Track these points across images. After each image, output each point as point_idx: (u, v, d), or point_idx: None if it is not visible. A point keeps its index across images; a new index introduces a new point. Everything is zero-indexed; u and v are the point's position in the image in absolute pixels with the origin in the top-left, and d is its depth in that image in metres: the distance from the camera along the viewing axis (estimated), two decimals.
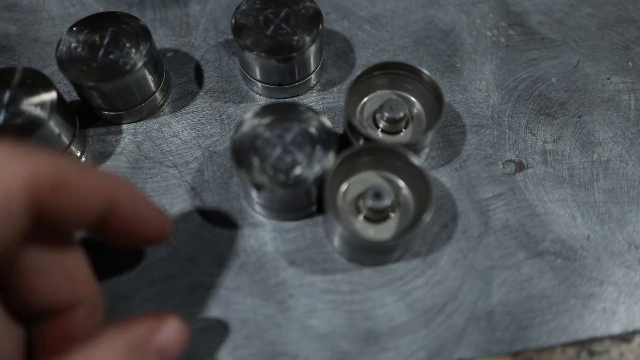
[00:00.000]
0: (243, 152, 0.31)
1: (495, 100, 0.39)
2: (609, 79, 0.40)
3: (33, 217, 0.20)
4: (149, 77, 0.36)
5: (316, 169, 0.30)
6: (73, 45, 0.35)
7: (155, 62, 0.37)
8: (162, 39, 0.41)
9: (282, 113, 0.32)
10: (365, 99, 0.36)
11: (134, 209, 0.24)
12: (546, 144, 0.37)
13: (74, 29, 0.35)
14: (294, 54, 0.35)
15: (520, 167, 0.36)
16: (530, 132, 0.37)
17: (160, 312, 0.25)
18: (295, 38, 0.35)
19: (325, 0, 0.43)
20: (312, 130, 0.31)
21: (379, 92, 0.36)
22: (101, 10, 0.43)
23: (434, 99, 0.34)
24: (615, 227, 0.34)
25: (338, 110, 0.38)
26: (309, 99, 0.39)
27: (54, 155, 0.21)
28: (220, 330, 0.31)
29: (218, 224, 0.34)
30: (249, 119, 0.32)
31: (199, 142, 0.37)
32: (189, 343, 0.25)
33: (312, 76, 0.39)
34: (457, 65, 0.40)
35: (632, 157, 0.36)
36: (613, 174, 0.36)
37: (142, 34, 0.36)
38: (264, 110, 0.32)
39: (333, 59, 0.40)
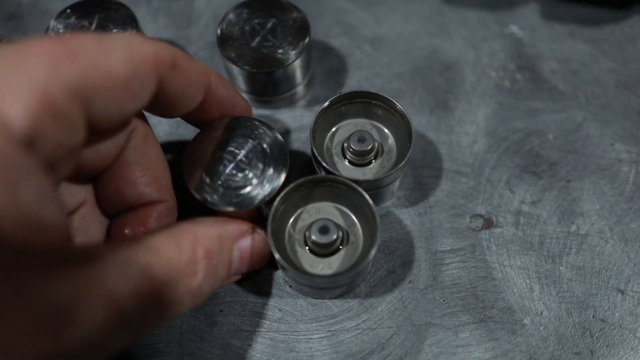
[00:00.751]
0: (193, 168, 0.30)
1: (481, 147, 0.36)
2: (612, 145, 0.36)
3: (156, 87, 0.24)
4: None
5: (266, 189, 0.29)
6: (60, 30, 0.35)
7: None
8: (161, 29, 0.41)
9: (235, 128, 0.31)
10: (338, 126, 0.35)
11: (227, 93, 0.29)
12: (523, 205, 0.34)
13: (64, 13, 0.36)
14: (277, 69, 0.34)
15: (489, 224, 0.34)
16: (509, 189, 0.35)
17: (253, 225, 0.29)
18: (280, 52, 0.35)
19: (331, 14, 0.42)
20: (265, 146, 0.30)
21: (353, 120, 0.35)
22: None
23: (406, 135, 0.33)
24: (573, 308, 0.32)
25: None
26: (290, 114, 0.38)
27: (169, 45, 0.25)
28: None
29: None
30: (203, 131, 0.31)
31: (170, 143, 0.37)
32: (267, 259, 0.30)
33: (296, 91, 0.38)
34: (450, 103, 0.38)
35: (614, 235, 0.33)
36: (588, 250, 0.33)
37: (129, 22, 0.36)
38: (217, 125, 0.31)
39: (324, 76, 0.39)
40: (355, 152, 0.33)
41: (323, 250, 0.30)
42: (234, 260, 0.28)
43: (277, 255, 0.28)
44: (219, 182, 0.29)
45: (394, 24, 0.41)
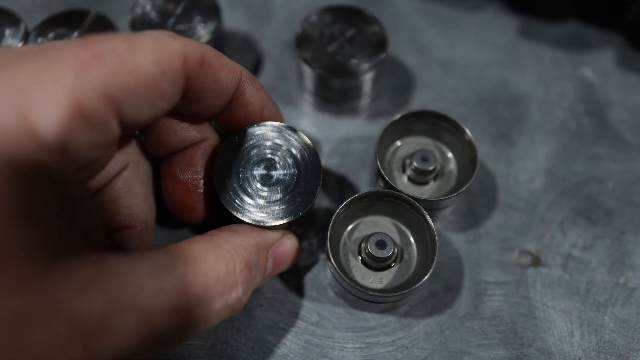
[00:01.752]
0: (225, 181, 0.28)
1: (539, 185, 0.36)
2: None
3: (185, 84, 0.24)
4: None
5: (302, 202, 0.28)
6: (147, 8, 0.36)
7: (219, 42, 0.38)
8: (238, 21, 0.42)
9: (266, 138, 0.29)
10: (403, 141, 0.35)
11: (256, 94, 0.29)
12: (574, 249, 0.34)
13: None
14: (349, 78, 0.35)
15: (537, 262, 0.34)
16: (562, 231, 0.35)
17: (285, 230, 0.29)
18: (355, 62, 0.35)
19: (406, 31, 0.42)
20: (298, 156, 0.29)
21: (418, 138, 0.35)
22: None
23: (469, 162, 0.33)
24: None
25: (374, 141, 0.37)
26: (352, 123, 0.38)
27: (200, 43, 0.25)
28: None
29: None
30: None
31: None
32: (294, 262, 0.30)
33: (363, 101, 0.38)
34: (513, 137, 0.38)
35: None
36: (635, 304, 0.33)
37: (213, 12, 0.37)
38: (246, 132, 0.29)
39: (390, 90, 0.39)
40: (416, 170, 0.33)
41: (376, 264, 0.30)
42: (268, 267, 0.28)
43: (331, 261, 0.28)
44: (245, 190, 0.28)
45: (467, 49, 0.41)
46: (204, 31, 0.36)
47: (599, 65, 0.41)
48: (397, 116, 0.33)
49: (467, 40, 0.42)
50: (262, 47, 0.41)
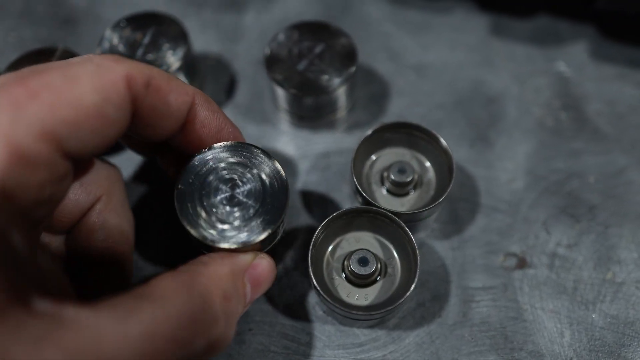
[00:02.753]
0: (188, 201, 0.27)
1: (520, 185, 0.36)
2: None
3: (132, 108, 0.23)
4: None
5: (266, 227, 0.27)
6: (115, 41, 0.36)
7: (190, 67, 0.38)
8: (209, 42, 0.42)
9: (231, 156, 0.28)
10: (378, 154, 0.35)
11: (211, 116, 0.27)
12: (559, 247, 0.34)
13: (119, 24, 0.37)
14: (321, 95, 0.35)
15: (522, 264, 0.34)
16: (546, 230, 0.35)
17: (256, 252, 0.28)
18: (326, 78, 0.35)
19: (378, 39, 0.42)
20: (264, 177, 0.27)
21: (394, 149, 0.35)
22: (163, 1, 0.44)
23: (447, 170, 0.33)
24: (604, 358, 0.31)
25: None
26: (330, 137, 0.38)
27: (145, 64, 0.25)
28: None
29: None
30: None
31: None
32: (275, 282, 0.29)
33: (338, 115, 0.38)
34: (491, 138, 0.38)
35: None
36: (623, 299, 0.33)
37: (181, 38, 0.37)
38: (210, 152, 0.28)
39: (366, 100, 0.39)
40: (394, 183, 0.33)
41: (360, 281, 0.30)
42: (247, 293, 0.26)
43: (314, 283, 0.28)
44: (216, 217, 0.27)
45: (440, 53, 0.41)
46: (173, 58, 0.36)
47: (573, 59, 0.41)
48: (370, 131, 0.33)
49: (440, 43, 0.42)
50: (235, 67, 0.41)
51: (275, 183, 0.27)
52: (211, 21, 0.43)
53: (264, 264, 0.27)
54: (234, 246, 0.26)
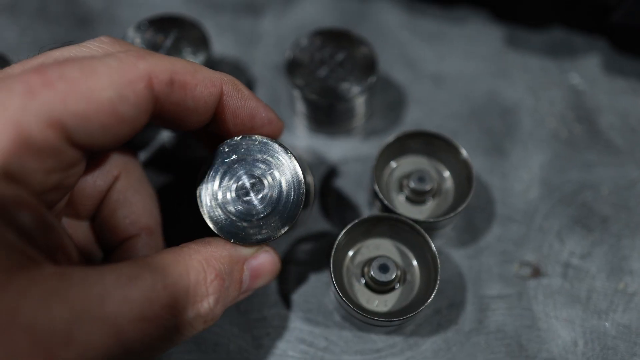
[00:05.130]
0: (207, 194, 0.27)
1: (535, 195, 0.37)
2: None
3: (152, 107, 0.23)
4: None
5: (282, 226, 0.26)
6: (137, 42, 0.36)
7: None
8: (226, 46, 0.42)
9: (251, 152, 0.27)
10: (398, 161, 0.35)
11: (242, 104, 0.27)
12: (572, 257, 0.35)
13: (141, 26, 0.37)
14: (340, 102, 0.35)
15: (537, 273, 0.34)
16: (560, 240, 0.35)
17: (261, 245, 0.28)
18: (346, 86, 0.35)
19: (395, 47, 0.42)
20: (280, 178, 0.27)
21: (413, 158, 0.35)
22: (179, 3, 0.44)
23: (465, 179, 0.33)
24: None
25: (370, 161, 0.38)
26: (347, 144, 0.39)
27: (170, 57, 0.24)
28: (190, 346, 0.32)
29: None
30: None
31: None
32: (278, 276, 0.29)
33: (356, 122, 0.38)
34: (506, 148, 0.38)
35: None
36: (635, 309, 0.33)
37: (202, 42, 0.37)
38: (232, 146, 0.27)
39: (384, 108, 0.40)
40: (414, 191, 0.33)
41: (380, 287, 0.31)
42: (244, 280, 0.27)
43: (335, 287, 0.29)
44: (234, 214, 0.26)
45: (456, 62, 0.42)
46: (193, 60, 0.36)
47: (586, 71, 0.41)
48: (391, 138, 0.33)
49: (456, 53, 0.42)
50: (253, 71, 0.41)
51: (291, 205, 0.27)
52: (228, 25, 0.43)
53: (265, 257, 0.28)
54: (222, 236, 0.26)
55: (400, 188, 0.35)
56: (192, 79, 0.24)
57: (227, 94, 0.26)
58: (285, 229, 0.26)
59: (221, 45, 0.42)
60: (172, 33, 0.37)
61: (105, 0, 0.44)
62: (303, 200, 0.27)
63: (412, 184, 0.33)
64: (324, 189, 0.37)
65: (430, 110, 0.40)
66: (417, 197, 0.34)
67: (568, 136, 0.39)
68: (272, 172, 0.27)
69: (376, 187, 0.32)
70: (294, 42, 0.37)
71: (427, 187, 0.33)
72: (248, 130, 0.28)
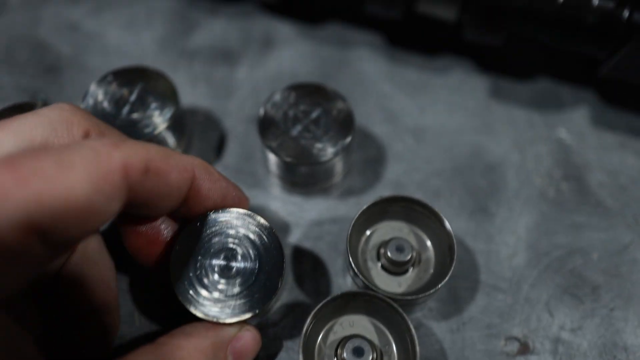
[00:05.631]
0: (181, 273, 0.27)
1: (521, 261, 0.35)
2: None
3: (126, 197, 0.22)
4: (169, 141, 0.35)
5: (260, 297, 0.26)
6: (100, 98, 0.34)
7: (178, 124, 0.36)
8: (199, 97, 0.40)
9: (230, 226, 0.28)
10: (375, 227, 0.33)
11: (214, 187, 0.27)
12: (562, 331, 0.32)
13: (105, 79, 0.35)
14: (315, 165, 0.33)
15: (524, 349, 0.32)
16: (549, 312, 0.33)
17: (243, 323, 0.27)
18: (320, 146, 0.33)
19: (375, 99, 0.41)
20: (260, 246, 0.27)
21: (392, 223, 0.33)
22: (153, 50, 0.42)
23: (447, 249, 0.31)
24: None
25: (347, 222, 0.36)
26: (323, 204, 0.36)
27: (144, 143, 0.24)
28: None
29: None
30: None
31: None
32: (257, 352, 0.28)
33: (333, 182, 0.36)
34: (491, 209, 0.36)
35: None
36: None
37: (170, 96, 0.35)
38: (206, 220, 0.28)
39: (362, 165, 0.38)
40: (392, 261, 0.31)
41: None
42: None
43: None
44: (213, 294, 0.26)
45: (438, 116, 0.40)
46: (160, 119, 0.34)
47: (574, 125, 0.40)
48: (364, 207, 0.31)
49: (438, 106, 0.40)
50: (226, 124, 0.39)
51: (271, 277, 0.27)
52: (203, 74, 0.41)
53: (248, 337, 0.27)
54: (201, 316, 0.26)
55: (378, 257, 0.32)
56: (166, 165, 0.24)
57: (199, 178, 0.26)
58: (268, 302, 0.26)
59: (194, 95, 0.40)
60: (137, 86, 0.35)
61: (74, 48, 0.43)
62: (284, 271, 0.27)
63: (390, 254, 0.31)
64: (297, 253, 0.35)
65: (411, 166, 0.38)
66: (395, 268, 0.32)
67: (555, 195, 0.37)
68: (250, 241, 0.27)
69: (350, 260, 0.29)
70: (266, 99, 0.35)
71: (406, 257, 0.31)
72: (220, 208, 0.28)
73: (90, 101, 0.34)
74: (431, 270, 0.32)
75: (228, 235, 0.27)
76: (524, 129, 0.40)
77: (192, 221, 0.28)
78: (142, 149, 0.23)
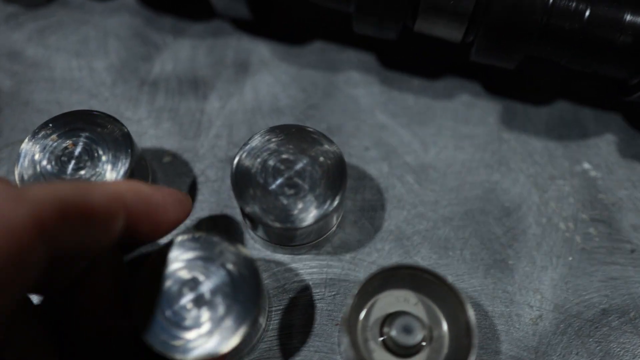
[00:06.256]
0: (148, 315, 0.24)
1: (547, 326, 0.29)
2: None
3: (47, 249, 0.19)
4: None
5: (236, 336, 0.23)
6: (37, 156, 0.28)
7: (139, 176, 0.30)
8: (165, 136, 0.34)
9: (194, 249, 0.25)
10: (376, 298, 0.28)
11: (150, 205, 0.24)
12: None
13: (44, 129, 0.29)
14: (301, 227, 0.27)
15: None
16: None
17: None
18: (302, 206, 0.27)
19: (369, 130, 0.35)
20: (233, 272, 0.24)
21: (395, 292, 0.28)
22: (108, 81, 0.36)
23: (464, 327, 0.26)
24: None
25: (343, 286, 0.30)
26: (313, 262, 0.31)
27: (53, 184, 0.20)
28: None
29: None
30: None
31: None
32: None
33: (321, 238, 0.31)
34: (510, 262, 0.31)
35: None
36: None
37: (124, 143, 0.29)
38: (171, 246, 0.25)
39: (356, 214, 0.32)
40: (398, 345, 0.26)
41: None
42: None
43: None
44: (183, 326, 0.23)
45: (444, 150, 0.34)
46: (113, 174, 0.28)
47: (600, 157, 0.34)
48: (364, 280, 0.25)
49: (442, 137, 0.35)
50: (197, 169, 0.33)
51: (246, 271, 0.24)
52: (167, 108, 0.35)
53: None
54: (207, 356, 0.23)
55: (381, 333, 0.27)
56: (87, 203, 0.21)
57: (131, 203, 0.23)
58: (258, 307, 0.24)
59: (159, 134, 0.34)
60: (82, 136, 0.29)
61: (15, 80, 0.36)
62: (258, 271, 0.24)
63: (396, 336, 0.26)
64: (285, 326, 0.29)
65: (414, 213, 0.32)
66: (402, 351, 0.26)
67: (583, 243, 0.32)
68: (211, 263, 0.25)
69: (351, 338, 0.24)
70: (241, 148, 0.29)
71: (415, 339, 0.26)
72: (164, 226, 0.25)
73: (26, 162, 0.28)
74: (445, 351, 0.27)
75: (180, 268, 0.25)
76: (542, 164, 0.34)
77: (144, 268, 0.25)
78: (51, 193, 0.19)
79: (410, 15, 0.33)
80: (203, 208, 0.32)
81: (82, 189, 0.21)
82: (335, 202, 0.27)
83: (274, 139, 0.29)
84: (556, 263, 0.31)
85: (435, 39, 0.34)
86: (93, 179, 0.28)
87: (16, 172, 0.28)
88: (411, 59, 0.38)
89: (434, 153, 0.34)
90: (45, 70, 0.37)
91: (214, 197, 0.33)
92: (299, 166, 0.28)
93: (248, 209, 0.27)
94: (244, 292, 0.24)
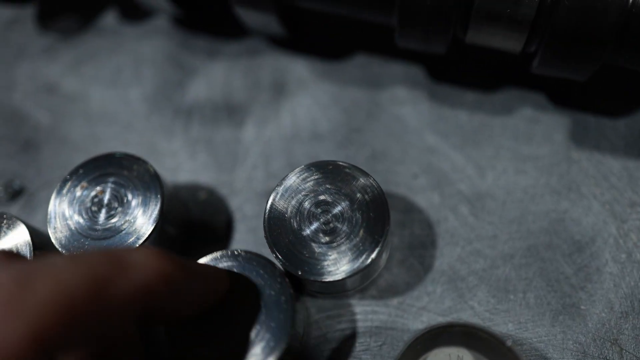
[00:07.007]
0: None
1: None
2: None
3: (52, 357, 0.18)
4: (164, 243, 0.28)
5: None
6: (67, 212, 0.27)
7: (173, 216, 0.29)
8: (200, 169, 0.33)
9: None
10: (425, 356, 0.25)
11: (180, 293, 0.22)
12: None
13: (67, 185, 0.28)
14: (328, 281, 0.25)
15: None
16: None
17: None
18: (332, 257, 0.25)
19: (417, 154, 0.32)
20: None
21: (447, 349, 0.25)
22: (142, 111, 0.35)
23: None
24: None
25: (390, 335, 0.28)
26: (358, 308, 0.29)
27: (64, 281, 0.18)
28: None
29: None
30: None
31: None
32: None
33: (366, 284, 0.28)
34: (582, 307, 0.27)
35: None
36: None
37: (152, 186, 0.28)
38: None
39: (403, 252, 0.29)
40: None
41: None
42: None
43: None
44: None
45: (503, 175, 0.31)
46: (143, 218, 0.27)
47: None
48: (413, 339, 0.23)
49: (500, 160, 0.31)
50: (234, 204, 0.32)
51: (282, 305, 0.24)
52: (202, 138, 0.34)
53: None
54: None
55: None
56: (101, 301, 0.19)
57: (159, 295, 0.21)
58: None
59: (194, 167, 0.33)
60: (110, 181, 0.28)
61: (53, 115, 0.36)
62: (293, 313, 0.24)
63: None
64: None
65: (468, 250, 0.29)
66: None
67: None
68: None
69: None
70: (274, 190, 0.26)
71: None
72: (191, 311, 0.23)
73: (58, 223, 0.27)
74: None
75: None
76: (620, 187, 0.30)
77: None
78: (61, 293, 0.18)
79: (461, 26, 0.29)
80: (241, 244, 0.31)
81: (101, 281, 0.19)
82: (373, 255, 0.24)
83: (311, 177, 0.26)
84: (639, 308, 0.27)
85: (491, 50, 0.30)
86: (125, 226, 0.27)
87: (52, 237, 0.27)
88: (463, 69, 0.34)
89: (492, 179, 0.31)
90: (81, 102, 0.36)
91: (251, 236, 0.31)
92: (336, 210, 0.26)
93: (276, 261, 0.25)
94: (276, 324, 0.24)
